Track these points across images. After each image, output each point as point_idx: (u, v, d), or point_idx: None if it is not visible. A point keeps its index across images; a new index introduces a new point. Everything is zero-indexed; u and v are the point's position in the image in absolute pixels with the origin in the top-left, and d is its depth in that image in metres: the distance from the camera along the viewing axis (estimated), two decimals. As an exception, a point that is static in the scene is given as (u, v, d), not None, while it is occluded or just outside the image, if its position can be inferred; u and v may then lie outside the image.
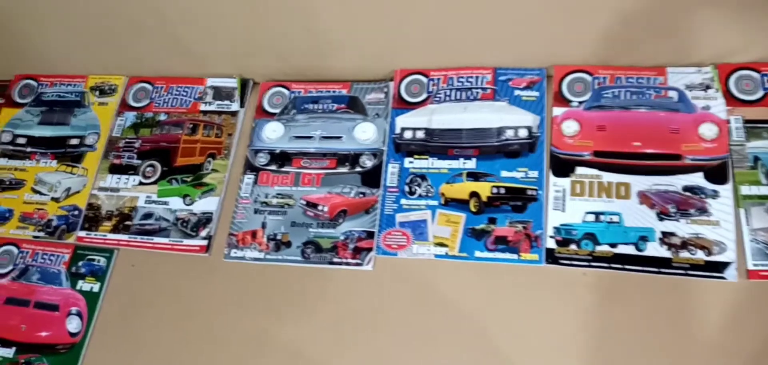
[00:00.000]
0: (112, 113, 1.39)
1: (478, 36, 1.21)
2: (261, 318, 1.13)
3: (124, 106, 1.40)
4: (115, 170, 1.32)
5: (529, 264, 1.07)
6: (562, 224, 1.08)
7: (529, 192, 1.12)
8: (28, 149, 1.39)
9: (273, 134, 1.28)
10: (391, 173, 1.19)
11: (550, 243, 1.07)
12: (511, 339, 1.03)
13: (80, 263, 1.23)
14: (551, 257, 1.06)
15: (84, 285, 1.21)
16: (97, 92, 1.42)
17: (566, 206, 1.10)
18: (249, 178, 1.25)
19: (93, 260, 1.24)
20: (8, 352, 1.17)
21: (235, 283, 1.16)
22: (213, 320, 1.14)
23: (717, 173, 1.07)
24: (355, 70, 1.31)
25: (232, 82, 1.36)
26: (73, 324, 1.18)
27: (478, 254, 1.09)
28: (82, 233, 1.27)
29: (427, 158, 1.19)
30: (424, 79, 1.26)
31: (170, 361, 1.13)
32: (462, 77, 1.24)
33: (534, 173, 1.13)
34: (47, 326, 1.18)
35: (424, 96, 1.25)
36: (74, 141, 1.37)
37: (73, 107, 1.42)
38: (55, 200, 1.31)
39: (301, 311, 1.12)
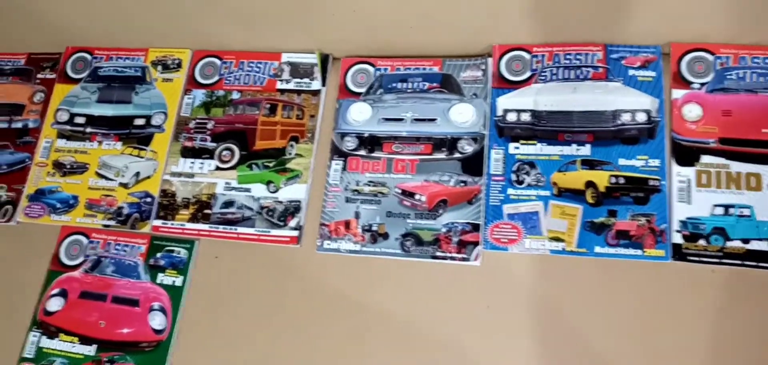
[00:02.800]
0: (178, 91, 1.28)
1: (585, 7, 1.11)
2: (361, 315, 1.06)
3: (191, 82, 1.29)
4: (187, 153, 1.23)
5: (654, 261, 1.00)
6: (688, 218, 1.01)
7: (652, 182, 1.04)
8: (88, 130, 1.29)
9: (360, 115, 1.19)
10: (494, 159, 1.11)
11: (677, 238, 1.00)
12: (635, 341, 0.97)
13: (159, 255, 1.16)
14: (678, 253, 1.00)
15: (165, 279, 1.14)
16: (160, 67, 1.31)
17: (692, 197, 1.02)
18: (337, 164, 1.16)
19: (172, 251, 1.16)
20: (89, 350, 1.11)
21: (331, 277, 1.09)
22: (309, 316, 1.08)
23: None
24: (447, 45, 1.21)
25: (312, 58, 1.26)
26: (157, 321, 1.11)
27: (598, 249, 1.02)
28: (158, 222, 1.18)
29: (534, 144, 1.10)
30: (527, 56, 1.16)
31: (264, 359, 1.07)
32: (569, 54, 1.14)
33: (655, 162, 1.05)
34: (128, 322, 1.11)
35: (527, 74, 1.15)
36: (139, 121, 1.27)
37: (134, 83, 1.31)
38: (124, 185, 1.22)
39: (404, 308, 1.06)
